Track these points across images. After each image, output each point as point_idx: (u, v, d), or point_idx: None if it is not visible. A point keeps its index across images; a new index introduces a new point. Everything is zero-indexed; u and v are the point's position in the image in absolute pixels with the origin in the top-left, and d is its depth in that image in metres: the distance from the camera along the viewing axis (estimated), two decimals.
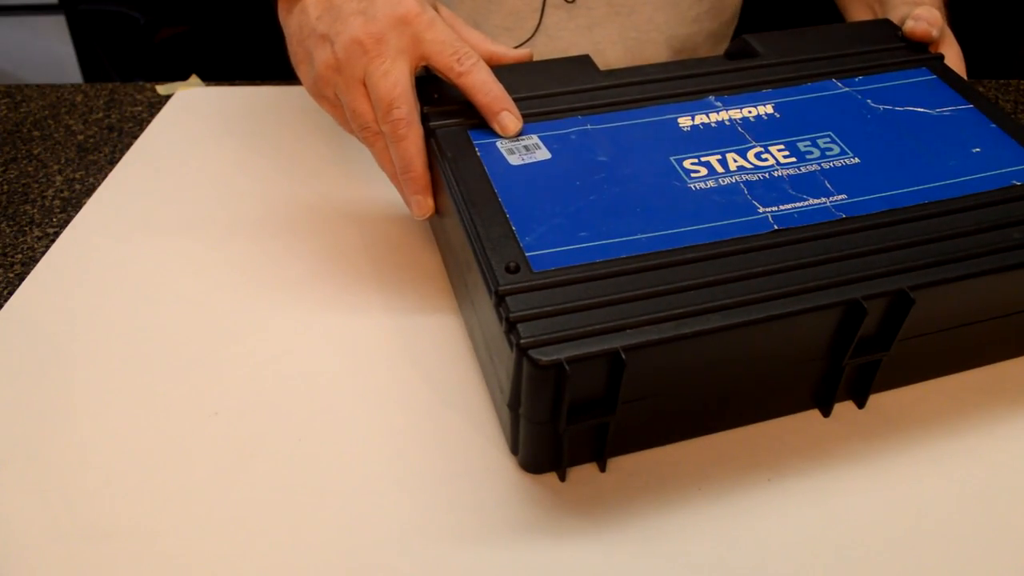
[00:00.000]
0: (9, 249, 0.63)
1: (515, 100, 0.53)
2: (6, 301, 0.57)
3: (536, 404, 0.42)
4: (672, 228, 0.46)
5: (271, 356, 0.53)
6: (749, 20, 0.98)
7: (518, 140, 0.52)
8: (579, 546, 0.42)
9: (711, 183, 0.49)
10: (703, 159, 0.51)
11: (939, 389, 0.50)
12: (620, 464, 0.46)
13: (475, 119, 0.53)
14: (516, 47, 0.85)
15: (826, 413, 0.49)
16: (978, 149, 0.53)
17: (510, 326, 0.41)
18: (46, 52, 1.75)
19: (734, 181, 0.50)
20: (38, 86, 0.86)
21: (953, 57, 0.63)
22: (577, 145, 0.52)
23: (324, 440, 0.47)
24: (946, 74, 0.59)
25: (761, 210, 0.48)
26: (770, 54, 0.60)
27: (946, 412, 0.49)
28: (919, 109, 0.56)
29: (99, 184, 0.69)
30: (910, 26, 0.61)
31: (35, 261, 0.61)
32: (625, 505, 0.44)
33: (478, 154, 0.51)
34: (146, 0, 1.64)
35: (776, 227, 0.47)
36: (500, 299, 0.42)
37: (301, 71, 0.57)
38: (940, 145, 0.53)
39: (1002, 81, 0.86)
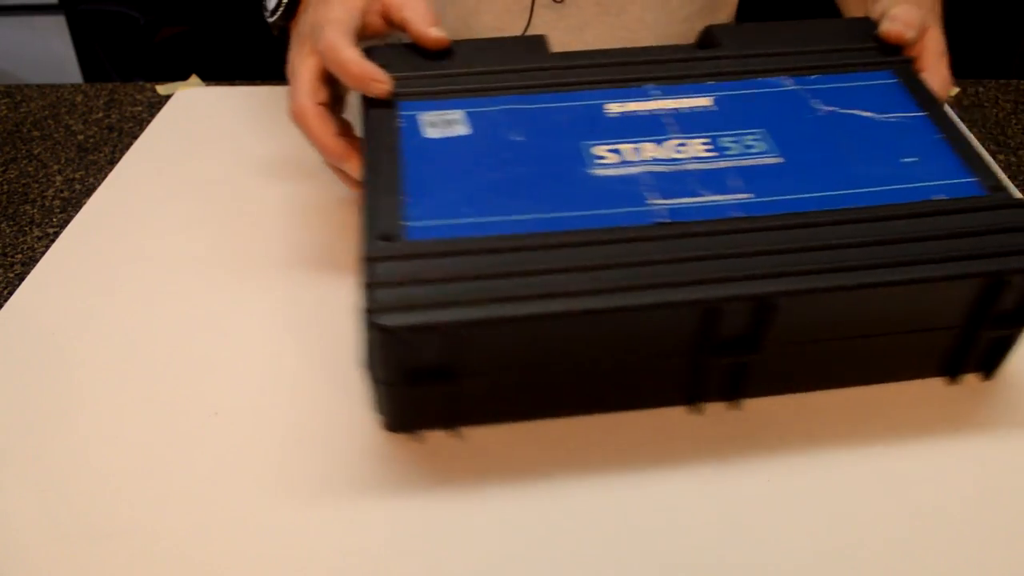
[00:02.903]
0: (9, 249, 0.63)
1: (454, 75, 0.55)
2: (6, 301, 0.57)
3: (382, 366, 0.44)
4: (558, 212, 0.47)
5: (272, 355, 0.53)
6: (748, 20, 0.98)
7: (442, 114, 0.53)
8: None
9: (614, 171, 0.49)
10: (616, 146, 0.51)
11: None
12: (477, 434, 0.48)
13: (410, 89, 0.55)
14: None
15: (696, 410, 0.48)
16: (912, 159, 0.50)
17: (367, 290, 0.43)
18: (46, 52, 1.75)
19: (639, 171, 0.49)
20: (38, 86, 0.86)
21: (931, 55, 0.60)
22: (498, 123, 0.53)
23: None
24: (909, 80, 0.57)
25: (656, 202, 0.47)
26: (729, 45, 0.58)
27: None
28: (865, 113, 0.54)
29: (99, 184, 0.69)
30: (885, 27, 0.59)
31: (35, 261, 0.61)
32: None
33: (398, 124, 0.52)
34: (146, 0, 1.64)
35: (663, 220, 0.46)
36: (367, 264, 0.44)
37: None
38: (873, 151, 0.51)
39: (1002, 81, 0.86)
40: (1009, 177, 0.69)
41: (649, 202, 0.47)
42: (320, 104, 0.57)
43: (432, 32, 0.57)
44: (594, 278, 0.43)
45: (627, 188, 0.48)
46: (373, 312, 0.42)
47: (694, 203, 0.47)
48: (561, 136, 0.52)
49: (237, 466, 0.46)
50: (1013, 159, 0.72)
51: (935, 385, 0.50)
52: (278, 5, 0.65)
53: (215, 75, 0.85)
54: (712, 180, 0.49)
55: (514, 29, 0.85)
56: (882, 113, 0.54)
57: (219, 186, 0.68)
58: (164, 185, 0.69)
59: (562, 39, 0.85)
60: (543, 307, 0.42)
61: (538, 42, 0.59)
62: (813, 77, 0.56)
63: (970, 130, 0.75)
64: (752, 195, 0.48)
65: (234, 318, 0.55)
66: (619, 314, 0.43)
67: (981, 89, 0.84)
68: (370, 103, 0.54)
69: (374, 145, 0.51)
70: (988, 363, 0.49)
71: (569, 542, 0.43)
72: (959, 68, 1.01)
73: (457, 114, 0.53)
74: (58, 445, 0.47)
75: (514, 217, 0.47)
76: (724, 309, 0.43)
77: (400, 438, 0.48)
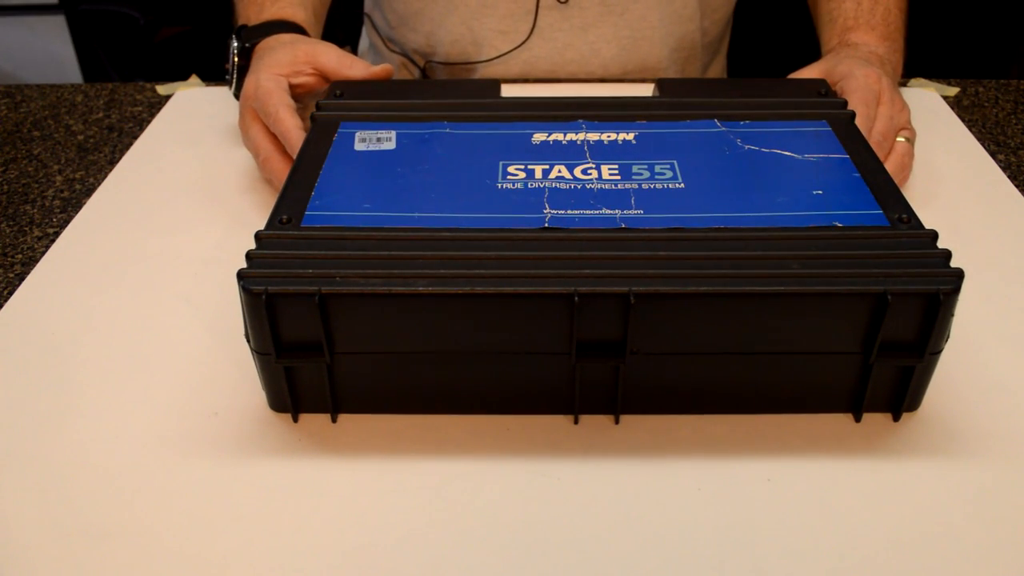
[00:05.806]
0: (9, 249, 0.63)
1: (402, 105, 0.59)
2: (6, 301, 0.57)
3: (252, 333, 0.45)
4: (453, 213, 0.49)
5: None
6: (746, 17, 0.98)
7: (376, 132, 0.57)
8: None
9: (519, 185, 0.51)
10: (529, 167, 0.53)
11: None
12: (352, 419, 0.48)
13: (356, 113, 0.59)
14: (511, 51, 0.86)
15: (575, 420, 0.48)
16: (820, 192, 0.50)
17: (246, 260, 0.45)
18: (46, 52, 1.75)
19: (541, 187, 0.51)
20: (38, 86, 0.86)
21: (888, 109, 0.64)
22: (426, 143, 0.56)
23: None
24: (843, 128, 0.56)
25: (546, 212, 0.49)
26: (674, 95, 0.61)
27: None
28: (785, 153, 0.54)
29: (99, 184, 0.69)
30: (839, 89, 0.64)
31: (35, 261, 0.61)
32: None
33: (333, 137, 0.56)
34: (146, 0, 1.64)
35: (547, 225, 0.48)
36: (256, 240, 0.47)
37: None
38: (781, 183, 0.51)
39: (1002, 81, 0.86)
40: (1009, 177, 0.69)
41: (543, 212, 0.49)
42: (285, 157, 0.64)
43: (375, 68, 0.68)
44: (464, 267, 0.44)
45: (526, 200, 0.50)
46: (243, 278, 0.44)
47: (584, 214, 0.48)
48: (482, 156, 0.54)
49: (236, 465, 0.46)
50: (1013, 159, 0.72)
51: (844, 421, 0.48)
52: (229, 80, 0.74)
53: (215, 75, 0.85)
54: (608, 198, 0.50)
55: (518, 32, 0.85)
56: (803, 154, 0.54)
57: (219, 186, 0.68)
58: (164, 185, 0.69)
59: (566, 40, 0.85)
60: (404, 286, 0.43)
61: (492, 84, 0.63)
62: (744, 123, 0.57)
63: (970, 130, 0.75)
64: (641, 211, 0.49)
65: (233, 318, 0.55)
66: (482, 301, 0.43)
67: (981, 89, 0.84)
68: (315, 121, 0.58)
69: (306, 153, 0.55)
70: (895, 402, 0.48)
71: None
72: (959, 68, 1.02)
73: (390, 134, 0.57)
74: (58, 445, 0.47)
75: (410, 214, 0.49)
76: (586, 305, 0.43)
77: (279, 417, 0.49)
